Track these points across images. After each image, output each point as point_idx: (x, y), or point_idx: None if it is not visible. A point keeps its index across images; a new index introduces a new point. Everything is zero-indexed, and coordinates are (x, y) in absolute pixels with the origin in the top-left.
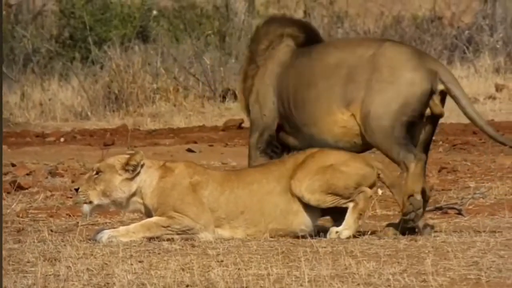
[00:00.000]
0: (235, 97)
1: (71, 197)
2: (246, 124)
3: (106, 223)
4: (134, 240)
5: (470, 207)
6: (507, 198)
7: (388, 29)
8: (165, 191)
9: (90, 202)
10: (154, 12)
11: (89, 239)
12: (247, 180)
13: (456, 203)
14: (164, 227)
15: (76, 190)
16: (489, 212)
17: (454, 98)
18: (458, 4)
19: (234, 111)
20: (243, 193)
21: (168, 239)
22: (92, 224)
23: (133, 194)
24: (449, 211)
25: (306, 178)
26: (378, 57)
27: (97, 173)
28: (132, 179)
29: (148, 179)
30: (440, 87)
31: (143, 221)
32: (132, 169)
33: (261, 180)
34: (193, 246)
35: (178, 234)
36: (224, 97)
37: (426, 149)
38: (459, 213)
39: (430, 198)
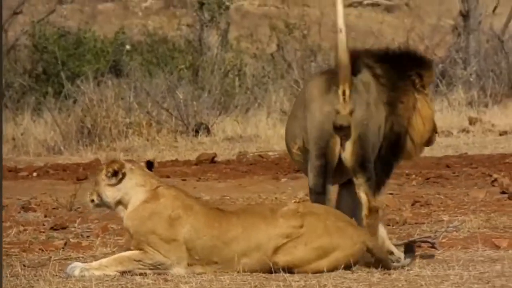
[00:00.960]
0: (208, 131)
1: (43, 232)
2: (219, 158)
3: (78, 257)
4: (107, 274)
5: (444, 240)
6: (480, 232)
7: None
8: (142, 218)
9: (92, 201)
10: (127, 47)
11: (62, 274)
12: (230, 229)
13: (429, 237)
14: (136, 261)
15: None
16: (463, 245)
17: None
18: (432, 38)
19: (206, 145)
20: (222, 244)
21: (140, 274)
22: (65, 259)
23: (119, 202)
24: (423, 244)
25: (288, 252)
26: None
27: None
28: (115, 185)
29: (133, 196)
30: None
31: (116, 255)
32: (110, 176)
33: (244, 232)
34: (165, 280)
35: (150, 269)
36: (197, 131)
37: None
38: (433, 246)
39: None
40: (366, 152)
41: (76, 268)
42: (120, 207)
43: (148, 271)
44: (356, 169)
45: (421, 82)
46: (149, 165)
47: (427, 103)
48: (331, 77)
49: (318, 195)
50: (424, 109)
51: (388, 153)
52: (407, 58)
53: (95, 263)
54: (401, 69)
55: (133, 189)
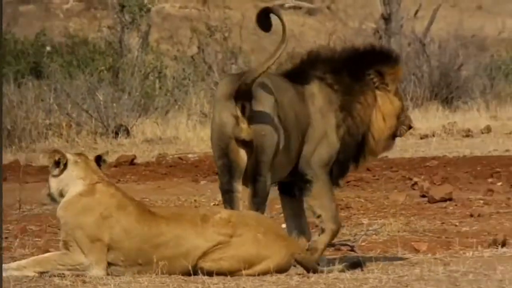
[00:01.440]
0: (128, 133)
1: None
2: (139, 160)
3: None
4: (26, 275)
5: (363, 243)
6: (400, 235)
7: (282, 65)
8: (74, 210)
9: (48, 195)
10: (48, 49)
11: None
12: (159, 234)
13: (349, 240)
14: (55, 261)
15: None
16: (382, 249)
17: None
18: (354, 41)
19: (126, 147)
20: (150, 248)
21: (59, 275)
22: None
23: (61, 194)
24: (342, 247)
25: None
26: None
27: None
28: (57, 176)
29: (71, 188)
30: None
31: (36, 257)
32: (52, 166)
33: (173, 238)
34: (84, 282)
35: (68, 269)
36: (116, 133)
37: None
38: (352, 249)
39: None
40: (259, 165)
41: None
42: (61, 199)
43: (66, 272)
44: (248, 179)
45: (381, 79)
46: (98, 159)
47: (389, 99)
48: (238, 81)
49: (225, 193)
50: (385, 106)
51: (347, 156)
52: (365, 57)
53: (13, 264)
54: (358, 70)
55: (73, 181)
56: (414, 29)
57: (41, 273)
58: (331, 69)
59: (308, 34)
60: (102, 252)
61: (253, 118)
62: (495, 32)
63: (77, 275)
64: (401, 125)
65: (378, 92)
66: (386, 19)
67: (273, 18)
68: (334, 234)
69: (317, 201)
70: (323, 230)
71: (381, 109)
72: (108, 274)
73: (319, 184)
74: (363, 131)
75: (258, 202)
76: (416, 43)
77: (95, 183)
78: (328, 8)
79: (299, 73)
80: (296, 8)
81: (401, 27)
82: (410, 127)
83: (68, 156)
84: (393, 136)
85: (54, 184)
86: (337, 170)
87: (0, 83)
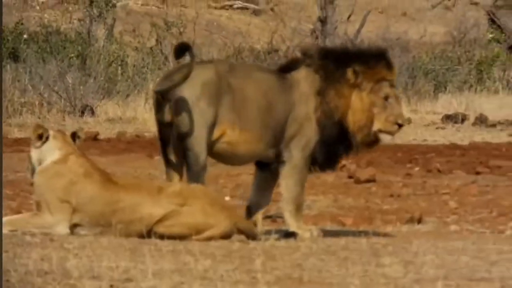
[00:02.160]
0: (92, 112)
1: None
2: (101, 136)
3: None
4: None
5: None
6: (328, 210)
7: (230, 58)
8: (48, 175)
9: (27, 168)
10: (25, 36)
11: None
12: (119, 200)
13: (282, 214)
14: (26, 221)
15: None
16: (313, 222)
17: None
18: (293, 39)
19: (91, 124)
20: (110, 212)
21: (29, 232)
22: None
23: (39, 163)
24: (278, 219)
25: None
26: None
27: None
28: (39, 148)
29: (48, 157)
30: None
31: (9, 217)
32: (35, 139)
33: (131, 205)
34: (51, 240)
35: (37, 228)
36: (82, 112)
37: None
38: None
39: None
40: (184, 142)
41: None
42: (38, 169)
43: (35, 230)
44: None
45: (355, 78)
46: (74, 135)
47: (359, 96)
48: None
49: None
50: (355, 102)
51: (328, 142)
52: (350, 54)
53: None
54: (340, 64)
55: (50, 152)
56: (346, 31)
57: (13, 231)
58: (319, 57)
59: (253, 32)
60: (67, 213)
61: (175, 106)
62: (417, 36)
63: (45, 234)
64: (386, 122)
65: (353, 89)
66: (322, 21)
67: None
68: (298, 211)
69: (284, 181)
70: (283, 208)
71: (352, 104)
72: (72, 234)
73: (291, 166)
74: (338, 119)
75: (193, 176)
76: (348, 43)
77: (69, 154)
78: (272, 9)
79: (291, 63)
80: (243, 9)
81: (335, 29)
82: (400, 126)
83: (50, 131)
84: (380, 131)
85: (35, 154)
86: (322, 157)
87: (1, 85)
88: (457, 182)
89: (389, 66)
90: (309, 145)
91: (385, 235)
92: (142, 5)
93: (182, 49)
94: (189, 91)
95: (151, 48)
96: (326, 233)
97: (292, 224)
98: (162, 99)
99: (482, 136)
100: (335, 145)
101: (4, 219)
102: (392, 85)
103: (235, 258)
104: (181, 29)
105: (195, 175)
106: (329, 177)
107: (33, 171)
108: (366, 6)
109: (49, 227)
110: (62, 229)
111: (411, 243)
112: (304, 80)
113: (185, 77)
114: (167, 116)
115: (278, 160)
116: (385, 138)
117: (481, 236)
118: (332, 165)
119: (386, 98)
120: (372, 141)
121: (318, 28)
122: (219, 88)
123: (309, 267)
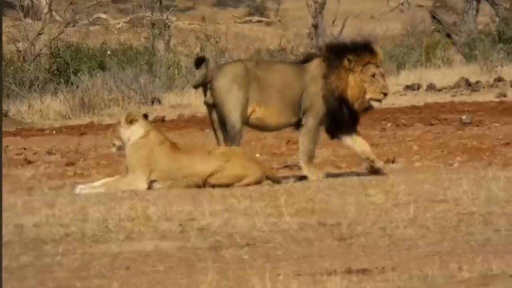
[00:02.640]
0: (159, 102)
1: (60, 167)
2: (167, 118)
3: (83, 182)
4: (98, 191)
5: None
6: (329, 158)
7: (253, 57)
8: (136, 146)
9: (114, 145)
10: (108, 52)
11: (73, 191)
12: (181, 159)
13: (298, 162)
14: (116, 183)
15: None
16: (319, 167)
17: None
18: (295, 41)
19: (158, 111)
20: (176, 168)
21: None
22: (74, 183)
23: (129, 140)
24: (294, 167)
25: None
26: None
27: (114, 128)
28: (128, 128)
29: (136, 134)
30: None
31: (103, 180)
32: (127, 122)
33: (189, 162)
34: (135, 194)
35: (124, 185)
36: (152, 102)
37: None
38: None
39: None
40: (222, 116)
41: (77, 188)
42: (129, 144)
43: (123, 188)
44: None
45: (349, 64)
46: (145, 116)
47: (353, 77)
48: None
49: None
50: (351, 81)
51: (334, 111)
52: (347, 46)
53: (88, 185)
54: (340, 53)
55: (137, 130)
56: (332, 32)
57: (107, 189)
58: (326, 50)
59: (267, 38)
60: (147, 173)
61: (214, 92)
62: (382, 32)
63: (131, 190)
64: (374, 92)
65: (349, 72)
66: (315, 26)
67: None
68: (309, 160)
69: (301, 138)
70: (299, 158)
71: (350, 83)
72: (150, 188)
73: (306, 128)
74: (339, 95)
75: (231, 140)
76: (336, 40)
77: (149, 131)
78: (279, 21)
79: (308, 56)
80: (259, 21)
81: (324, 31)
82: (385, 94)
83: (136, 116)
84: (370, 99)
85: (126, 133)
86: (331, 123)
87: (0, 90)
88: (417, 132)
89: (372, 52)
90: (318, 114)
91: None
92: (188, 24)
93: (199, 61)
94: (223, 80)
95: (197, 54)
96: (328, 175)
97: (305, 170)
98: (204, 88)
99: (432, 98)
100: (339, 113)
101: (100, 182)
102: (377, 66)
103: (266, 197)
104: (217, 39)
105: (232, 140)
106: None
107: (119, 148)
108: (345, 13)
109: (133, 184)
110: (142, 185)
111: (388, 177)
112: (315, 67)
113: (205, 77)
114: (210, 99)
115: (299, 124)
116: (375, 105)
117: (437, 169)
118: (341, 129)
119: (373, 75)
120: (366, 107)
121: (312, 32)
122: (247, 77)
123: (318, 200)
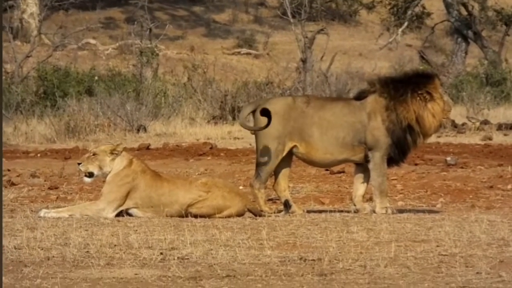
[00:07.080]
0: (145, 130)
1: (44, 190)
2: (152, 146)
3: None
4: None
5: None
6: (312, 193)
7: (240, 89)
8: (120, 175)
9: (90, 174)
10: (96, 78)
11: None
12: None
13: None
14: (84, 208)
15: (79, 164)
16: (301, 202)
17: None
18: (283, 74)
19: (143, 138)
20: (156, 196)
21: (103, 217)
22: (57, 207)
23: (110, 170)
24: (277, 201)
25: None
26: None
27: (93, 155)
28: (113, 160)
29: (119, 164)
30: None
31: (71, 206)
32: (115, 154)
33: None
34: (118, 221)
35: (91, 213)
36: (138, 130)
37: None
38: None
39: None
40: (257, 152)
41: (41, 212)
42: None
43: (90, 214)
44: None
45: (428, 94)
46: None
47: (436, 102)
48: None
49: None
50: (434, 107)
51: (399, 142)
52: (411, 80)
53: (54, 210)
54: (399, 87)
55: (121, 160)
56: (320, 67)
57: (71, 215)
58: (381, 85)
59: (255, 70)
60: (120, 205)
61: (255, 120)
62: (370, 69)
63: (118, 217)
64: (447, 113)
65: (429, 101)
66: (303, 61)
67: None
68: (381, 194)
69: (371, 174)
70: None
71: (430, 110)
72: (131, 215)
73: (373, 162)
74: (408, 124)
75: (256, 171)
76: (322, 76)
77: (132, 160)
78: (268, 54)
79: (361, 93)
80: (248, 54)
81: (312, 66)
82: (449, 110)
83: (121, 147)
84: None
85: (110, 163)
86: (396, 153)
87: (0, 104)
88: (402, 171)
89: (429, 78)
90: (383, 146)
91: (352, 210)
92: (177, 53)
93: (266, 112)
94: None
95: (184, 83)
96: (311, 210)
97: (377, 205)
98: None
99: None
100: (402, 143)
101: (67, 207)
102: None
103: (248, 229)
104: (205, 70)
105: (258, 171)
106: (312, 170)
107: (94, 175)
108: (334, 49)
109: (100, 213)
110: (110, 216)
111: (371, 215)
112: (371, 103)
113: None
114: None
115: (366, 160)
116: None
117: (420, 209)
118: (405, 158)
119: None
120: (436, 131)
121: (301, 66)
122: (289, 113)
123: (300, 235)
